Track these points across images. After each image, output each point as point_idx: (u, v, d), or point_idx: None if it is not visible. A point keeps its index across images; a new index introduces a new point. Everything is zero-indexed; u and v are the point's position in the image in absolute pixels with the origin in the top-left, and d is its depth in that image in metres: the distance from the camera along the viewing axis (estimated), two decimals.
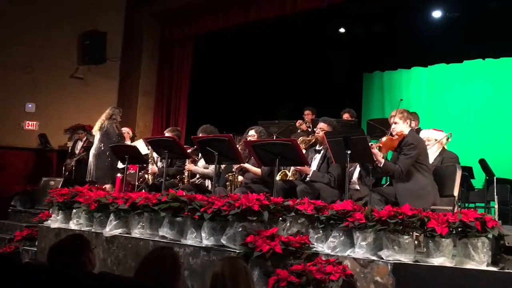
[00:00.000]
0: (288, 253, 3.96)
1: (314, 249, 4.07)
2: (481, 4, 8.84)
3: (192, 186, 6.08)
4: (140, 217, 5.06)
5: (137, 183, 6.88)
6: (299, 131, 7.43)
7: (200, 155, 5.95)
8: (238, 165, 5.61)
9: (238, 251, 4.11)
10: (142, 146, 7.17)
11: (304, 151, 5.29)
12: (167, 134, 6.36)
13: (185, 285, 4.36)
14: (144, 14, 10.63)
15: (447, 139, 5.78)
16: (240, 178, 5.82)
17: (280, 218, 4.32)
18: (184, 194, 4.79)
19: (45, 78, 9.87)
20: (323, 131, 5.30)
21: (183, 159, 6.17)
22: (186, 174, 6.25)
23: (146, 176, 6.61)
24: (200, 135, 5.85)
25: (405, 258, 3.73)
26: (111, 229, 5.26)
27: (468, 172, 7.13)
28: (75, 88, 10.18)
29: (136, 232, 5.06)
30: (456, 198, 4.81)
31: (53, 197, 6.14)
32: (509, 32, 8.51)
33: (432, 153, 5.43)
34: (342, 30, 10.85)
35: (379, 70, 11.65)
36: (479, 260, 3.65)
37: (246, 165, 5.58)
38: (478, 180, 8.00)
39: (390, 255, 3.75)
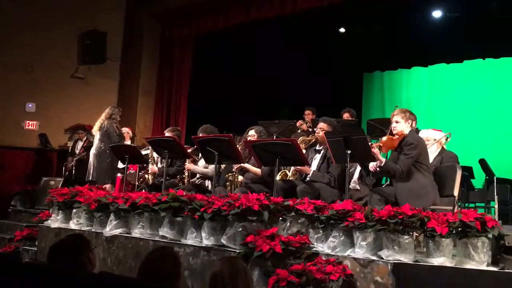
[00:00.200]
0: (288, 253, 3.95)
1: (314, 249, 4.07)
2: (481, 4, 8.83)
3: (192, 186, 6.08)
4: (140, 217, 5.06)
5: (137, 183, 6.87)
6: (299, 131, 7.44)
7: (200, 155, 5.95)
8: (238, 165, 5.60)
9: (238, 251, 4.11)
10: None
11: (304, 151, 5.29)
12: (167, 134, 6.36)
13: (185, 285, 4.35)
14: (144, 14, 10.62)
15: (446, 139, 5.77)
16: (240, 178, 5.82)
17: (280, 218, 4.32)
18: (184, 194, 4.79)
19: (45, 78, 9.87)
20: (323, 131, 5.29)
21: (183, 159, 6.17)
22: (186, 174, 6.25)
23: (146, 176, 6.61)
24: (200, 135, 5.85)
25: (405, 258, 3.73)
26: (111, 229, 5.26)
27: (468, 172, 7.13)
28: (75, 88, 10.17)
29: (136, 232, 5.06)
30: (456, 198, 4.79)
31: (53, 197, 6.14)
32: (509, 32, 8.51)
33: (431, 153, 5.42)
34: (342, 30, 10.84)
35: (379, 70, 11.64)
36: (479, 260, 3.64)
37: (246, 165, 5.58)
38: (478, 180, 8.01)
39: (390, 255, 3.75)
